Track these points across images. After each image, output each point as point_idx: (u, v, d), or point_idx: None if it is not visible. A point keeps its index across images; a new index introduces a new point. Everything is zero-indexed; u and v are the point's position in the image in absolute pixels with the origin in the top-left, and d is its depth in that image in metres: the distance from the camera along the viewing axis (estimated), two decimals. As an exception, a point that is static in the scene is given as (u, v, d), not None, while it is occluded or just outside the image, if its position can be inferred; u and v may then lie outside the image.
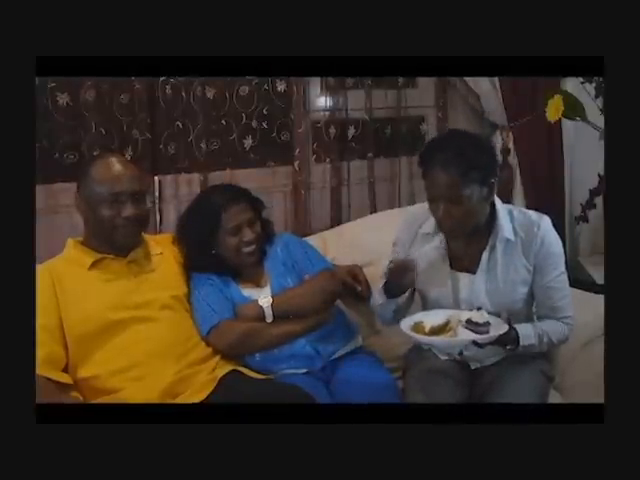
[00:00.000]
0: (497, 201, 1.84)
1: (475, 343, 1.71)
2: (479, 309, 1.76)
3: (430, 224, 1.87)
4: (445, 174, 1.69)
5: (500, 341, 1.75)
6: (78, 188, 1.88)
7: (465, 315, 1.74)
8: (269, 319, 1.94)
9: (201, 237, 1.98)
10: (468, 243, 1.84)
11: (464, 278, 1.86)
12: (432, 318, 1.78)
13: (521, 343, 1.79)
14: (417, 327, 1.76)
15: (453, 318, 1.75)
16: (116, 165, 1.86)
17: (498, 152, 1.85)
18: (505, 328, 1.72)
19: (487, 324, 1.72)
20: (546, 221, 1.83)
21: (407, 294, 1.88)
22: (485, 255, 1.83)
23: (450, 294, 1.86)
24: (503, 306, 1.82)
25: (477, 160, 1.71)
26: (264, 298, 1.97)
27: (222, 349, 1.91)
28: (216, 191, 2.08)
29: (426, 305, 1.94)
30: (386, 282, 1.84)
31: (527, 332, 1.80)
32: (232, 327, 1.92)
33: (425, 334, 1.74)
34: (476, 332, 1.71)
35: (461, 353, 1.86)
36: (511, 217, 1.84)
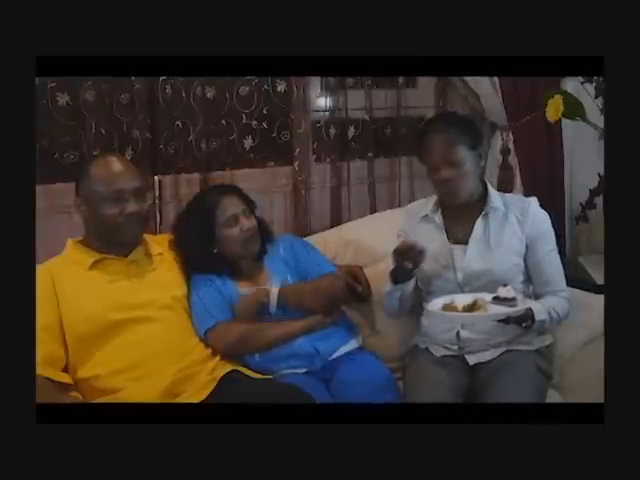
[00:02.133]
0: (487, 181, 2.02)
1: (505, 320, 1.79)
2: (505, 285, 1.82)
3: (428, 207, 2.01)
4: (439, 139, 1.89)
5: (518, 319, 1.82)
6: (77, 190, 1.88)
7: (489, 295, 1.82)
8: (273, 305, 1.95)
9: (199, 238, 1.98)
10: (462, 218, 1.96)
11: (459, 249, 1.96)
12: (460, 299, 1.83)
13: (536, 318, 1.85)
14: (449, 307, 1.81)
15: (479, 298, 1.81)
16: (115, 164, 1.87)
17: (484, 126, 2.06)
18: (529, 303, 1.80)
19: (514, 299, 1.80)
20: (535, 200, 1.99)
21: (412, 282, 1.94)
22: (479, 222, 1.94)
23: (450, 265, 1.95)
24: (498, 273, 1.91)
25: (465, 127, 1.92)
26: (273, 285, 1.99)
27: (220, 351, 1.91)
28: (206, 192, 2.14)
29: (425, 280, 2.00)
30: (394, 267, 1.89)
31: (538, 308, 1.87)
32: (229, 329, 1.92)
33: (459, 312, 1.79)
34: (507, 307, 1.78)
35: (458, 337, 1.94)
36: (502, 195, 2.01)
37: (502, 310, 1.77)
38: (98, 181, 1.83)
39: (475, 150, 1.91)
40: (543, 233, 1.96)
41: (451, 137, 1.88)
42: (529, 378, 1.87)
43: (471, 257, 1.93)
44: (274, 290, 1.97)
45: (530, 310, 1.84)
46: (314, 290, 2.00)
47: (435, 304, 1.84)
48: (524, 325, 1.85)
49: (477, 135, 1.96)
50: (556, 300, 1.93)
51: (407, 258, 1.84)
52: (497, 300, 1.80)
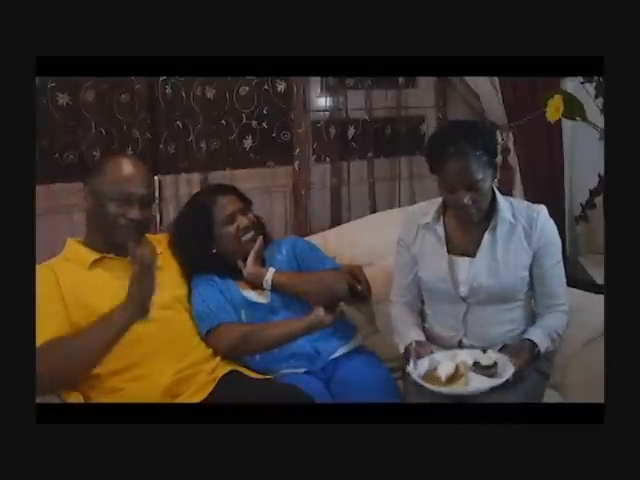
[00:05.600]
0: (495, 189, 1.92)
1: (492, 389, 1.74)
2: (485, 351, 1.80)
3: (429, 215, 1.95)
4: (459, 164, 1.77)
5: (526, 363, 1.82)
6: (89, 181, 1.87)
7: (470, 357, 1.79)
8: (267, 284, 1.98)
9: (198, 237, 1.98)
10: (468, 228, 1.91)
11: (463, 262, 1.91)
12: (443, 367, 1.76)
13: (542, 350, 1.85)
14: (431, 377, 1.76)
15: (461, 364, 1.77)
16: (132, 167, 1.88)
17: (497, 132, 1.94)
18: (512, 370, 1.74)
19: (495, 365, 1.76)
20: (544, 209, 1.92)
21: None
22: (487, 236, 1.88)
23: (449, 279, 1.91)
24: (504, 287, 1.88)
25: (481, 144, 1.79)
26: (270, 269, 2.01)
27: (221, 351, 1.91)
28: (203, 192, 2.15)
29: (427, 290, 1.99)
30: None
31: (540, 338, 1.86)
32: (230, 330, 1.92)
33: (443, 385, 1.74)
34: (487, 375, 1.75)
35: (461, 344, 1.93)
36: (510, 203, 1.92)
37: (486, 384, 1.72)
38: (110, 180, 1.83)
39: (492, 166, 1.82)
40: (550, 244, 1.90)
41: (472, 159, 1.76)
42: (529, 380, 1.85)
43: (478, 271, 1.88)
44: (270, 270, 1.98)
45: (530, 344, 1.84)
46: (315, 279, 2.01)
47: (415, 372, 1.78)
48: (533, 363, 1.85)
49: (495, 147, 1.86)
50: (556, 318, 1.91)
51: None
52: (478, 367, 1.76)
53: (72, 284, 1.82)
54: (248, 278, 2.01)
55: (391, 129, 2.94)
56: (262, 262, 2.06)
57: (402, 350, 1.90)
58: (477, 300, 1.90)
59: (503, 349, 1.90)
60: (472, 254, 1.90)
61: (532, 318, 1.97)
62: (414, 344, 1.88)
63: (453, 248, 1.93)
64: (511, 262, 1.88)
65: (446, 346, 1.97)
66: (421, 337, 1.93)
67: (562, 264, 1.94)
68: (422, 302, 2.04)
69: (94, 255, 1.87)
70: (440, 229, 1.94)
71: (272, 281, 1.98)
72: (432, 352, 1.84)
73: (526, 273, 1.90)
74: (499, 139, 1.99)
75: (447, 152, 1.78)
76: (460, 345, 1.95)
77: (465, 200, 1.79)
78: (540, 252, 1.89)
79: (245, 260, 2.01)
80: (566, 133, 2.83)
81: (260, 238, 2.02)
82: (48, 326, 1.66)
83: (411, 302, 2.03)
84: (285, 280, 2.01)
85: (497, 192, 1.92)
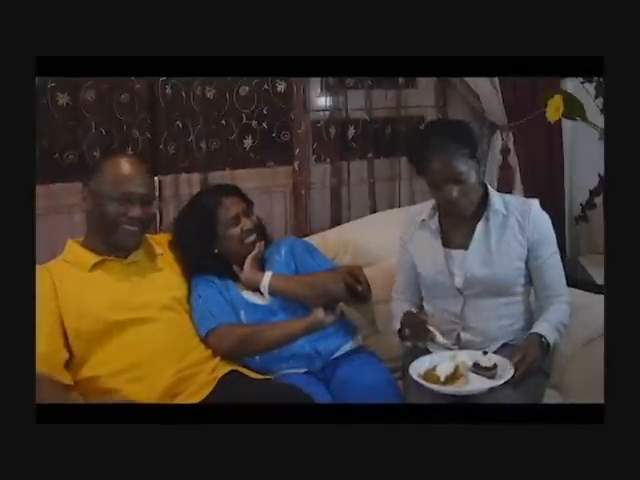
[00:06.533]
0: (487, 183, 1.99)
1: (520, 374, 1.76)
2: (485, 353, 1.80)
3: (425, 212, 1.99)
4: (438, 158, 1.82)
5: (536, 358, 1.82)
6: (88, 181, 1.87)
7: (469, 358, 1.80)
8: (264, 289, 1.97)
9: (201, 238, 1.98)
10: (462, 221, 1.94)
11: (458, 254, 1.94)
12: (442, 366, 1.77)
13: (551, 343, 1.86)
14: (430, 376, 1.77)
15: (461, 364, 1.78)
16: (131, 166, 1.88)
17: (475, 128, 2.02)
18: (511, 372, 1.74)
19: (495, 367, 1.76)
20: (536, 202, 1.95)
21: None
22: (479, 227, 1.92)
23: (445, 271, 1.93)
24: (498, 277, 1.90)
25: (461, 138, 1.85)
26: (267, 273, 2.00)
27: (220, 352, 1.90)
28: (207, 192, 2.14)
29: (426, 287, 2.01)
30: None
31: (547, 331, 1.86)
32: (230, 331, 1.92)
33: (442, 384, 1.74)
34: (486, 377, 1.75)
35: (459, 339, 1.96)
36: (502, 197, 1.97)
37: (486, 384, 1.73)
38: (110, 179, 1.84)
39: (474, 158, 1.87)
40: (544, 237, 1.92)
41: (450, 153, 1.81)
42: (530, 380, 1.85)
43: (471, 262, 1.91)
44: (267, 275, 1.98)
45: (537, 338, 1.84)
46: (309, 281, 2.02)
47: (416, 369, 1.80)
48: (543, 359, 1.86)
49: (473, 140, 1.91)
50: (559, 309, 1.92)
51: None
52: (478, 368, 1.77)
53: (71, 288, 1.82)
54: (245, 283, 2.01)
55: (391, 129, 2.94)
56: (260, 266, 2.05)
57: (398, 327, 1.92)
58: (474, 292, 1.91)
59: (504, 347, 1.90)
60: (467, 247, 1.93)
61: (531, 315, 1.99)
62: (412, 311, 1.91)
63: (448, 242, 1.96)
64: (504, 252, 1.91)
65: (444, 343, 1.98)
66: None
67: (559, 256, 1.96)
68: (421, 299, 2.06)
69: (95, 258, 1.87)
70: (434, 224, 1.97)
71: (269, 285, 1.98)
72: (427, 321, 1.86)
73: (521, 264, 1.92)
74: (483, 133, 2.02)
75: (427, 151, 1.84)
76: (458, 339, 1.95)
77: (454, 193, 1.83)
78: (535, 245, 1.92)
79: (243, 264, 2.01)
80: (566, 133, 2.83)
81: (260, 244, 2.02)
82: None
83: (411, 300, 2.06)
84: (282, 284, 2.00)
85: (489, 186, 1.96)
